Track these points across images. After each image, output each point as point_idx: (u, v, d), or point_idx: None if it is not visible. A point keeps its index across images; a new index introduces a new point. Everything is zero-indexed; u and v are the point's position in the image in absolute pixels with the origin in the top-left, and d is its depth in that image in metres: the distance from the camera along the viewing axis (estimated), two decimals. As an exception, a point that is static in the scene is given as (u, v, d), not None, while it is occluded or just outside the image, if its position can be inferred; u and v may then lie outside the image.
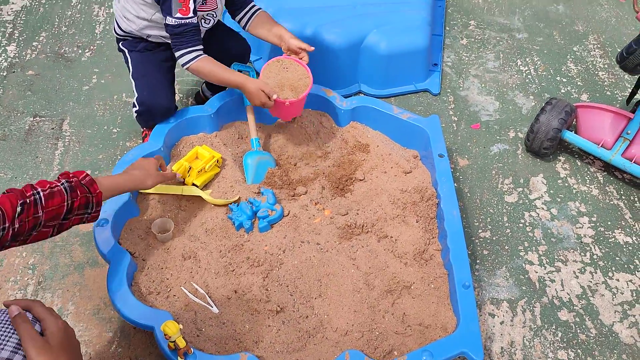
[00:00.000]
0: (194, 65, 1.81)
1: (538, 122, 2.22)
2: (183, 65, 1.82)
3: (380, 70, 2.50)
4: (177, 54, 1.81)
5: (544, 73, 2.72)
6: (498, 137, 2.41)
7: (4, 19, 2.73)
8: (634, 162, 2.13)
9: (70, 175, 1.35)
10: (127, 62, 1.99)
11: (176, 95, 2.45)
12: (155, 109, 1.95)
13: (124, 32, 1.95)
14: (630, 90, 2.21)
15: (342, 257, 1.75)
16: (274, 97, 1.85)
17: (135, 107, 1.98)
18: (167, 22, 1.76)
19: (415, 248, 1.78)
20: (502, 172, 2.27)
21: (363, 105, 2.14)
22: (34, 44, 2.61)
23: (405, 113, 2.11)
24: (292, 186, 1.99)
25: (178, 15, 1.74)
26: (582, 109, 2.28)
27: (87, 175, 1.37)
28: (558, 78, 2.70)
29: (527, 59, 2.79)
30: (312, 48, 1.94)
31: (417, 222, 1.85)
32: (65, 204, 1.28)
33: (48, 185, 1.27)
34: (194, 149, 1.94)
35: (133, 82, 1.97)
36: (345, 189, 1.99)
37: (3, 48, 2.58)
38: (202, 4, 1.85)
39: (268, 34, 2.01)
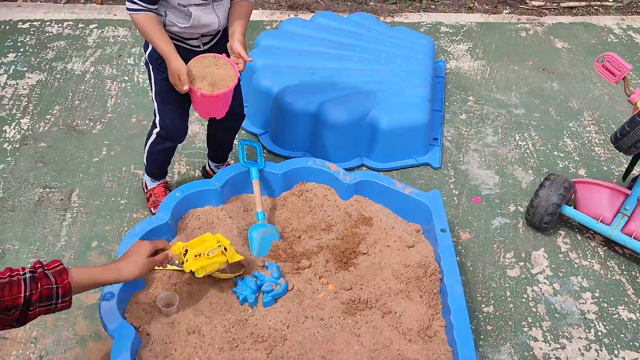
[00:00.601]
0: (136, 16, 1.79)
1: (538, 197, 2.27)
2: (127, 8, 1.80)
3: (382, 145, 2.57)
4: None
5: (542, 148, 2.80)
6: (499, 211, 2.45)
7: (19, 92, 2.84)
8: (633, 238, 2.15)
9: (37, 266, 1.35)
10: (150, 78, 2.03)
11: (183, 167, 2.51)
12: (175, 136, 2.10)
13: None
14: (626, 167, 2.27)
15: (346, 333, 1.75)
16: (185, 87, 1.80)
17: (156, 127, 2.08)
18: None
19: (419, 324, 1.78)
20: (504, 245, 2.30)
21: (366, 180, 2.19)
22: (48, 117, 2.70)
23: (407, 187, 2.16)
24: (296, 259, 2.01)
25: None
26: (581, 184, 2.33)
27: (60, 264, 1.37)
28: (555, 153, 2.77)
29: (525, 134, 2.87)
30: (250, 59, 1.91)
31: (420, 297, 1.86)
32: (23, 295, 1.27)
33: (8, 273, 1.27)
34: (204, 235, 1.82)
35: (156, 104, 2.05)
36: (349, 262, 2.01)
37: (17, 121, 2.67)
38: None
39: (229, 24, 1.95)
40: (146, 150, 2.18)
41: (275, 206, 2.20)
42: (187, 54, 1.86)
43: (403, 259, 1.99)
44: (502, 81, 3.24)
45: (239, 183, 2.18)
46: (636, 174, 2.26)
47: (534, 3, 3.99)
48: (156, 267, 1.78)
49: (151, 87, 2.04)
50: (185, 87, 1.80)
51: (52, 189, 2.35)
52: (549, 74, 3.32)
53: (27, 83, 2.90)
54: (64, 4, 3.59)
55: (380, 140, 2.56)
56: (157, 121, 2.08)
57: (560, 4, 4.02)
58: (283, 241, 2.05)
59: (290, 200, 2.21)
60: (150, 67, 1.99)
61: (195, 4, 1.82)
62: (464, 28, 3.69)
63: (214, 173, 2.40)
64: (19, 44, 3.18)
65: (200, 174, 2.49)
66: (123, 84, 2.95)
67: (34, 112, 2.73)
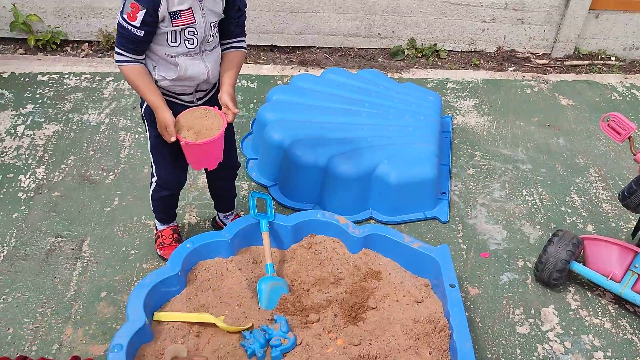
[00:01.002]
0: (124, 67, 1.82)
1: (546, 253, 2.27)
2: (115, 60, 1.83)
3: (390, 199, 2.60)
4: (115, 49, 1.81)
5: (549, 203, 2.81)
6: (507, 266, 2.44)
7: (36, 142, 2.91)
8: (644, 296, 2.14)
9: None
10: (145, 132, 2.07)
11: (193, 218, 2.54)
12: (171, 186, 2.18)
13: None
14: (635, 224, 2.28)
15: (354, 390, 1.73)
16: (172, 138, 1.82)
17: (154, 177, 2.15)
18: (118, 18, 1.77)
19: (428, 382, 1.76)
20: (513, 302, 2.28)
21: (375, 233, 2.21)
22: (62, 166, 2.75)
23: (416, 242, 2.17)
24: (305, 313, 2.00)
25: (124, 17, 1.74)
26: (589, 241, 2.33)
27: None
28: (563, 208, 2.78)
29: (532, 189, 2.90)
30: (237, 111, 1.91)
31: (430, 354, 1.84)
32: None
33: None
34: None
35: (152, 156, 2.10)
36: (357, 317, 2.00)
37: (32, 170, 2.72)
38: (176, 18, 1.78)
39: (220, 74, 1.99)
40: (150, 197, 2.25)
41: (284, 258, 2.21)
42: (180, 110, 1.89)
43: (412, 314, 1.98)
44: (509, 137, 3.29)
45: (249, 235, 2.19)
46: (644, 231, 2.27)
47: (538, 61, 4.09)
48: None
49: (147, 140, 2.08)
50: (173, 138, 1.82)
51: (64, 238, 2.38)
52: (554, 130, 3.38)
53: (43, 133, 2.98)
54: (82, 57, 3.71)
55: (389, 194, 2.59)
56: (154, 171, 2.15)
57: (564, 63, 4.11)
58: (292, 294, 2.05)
59: (299, 253, 2.22)
60: (146, 122, 2.03)
61: (183, 54, 1.85)
62: (470, 84, 3.78)
63: (224, 224, 2.43)
64: (37, 95, 3.28)
65: (210, 225, 2.51)
66: (136, 135, 3.02)
67: (49, 161, 2.78)
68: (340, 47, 4.01)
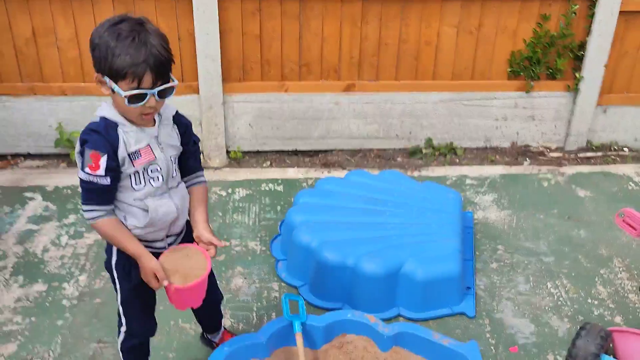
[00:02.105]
0: (97, 224, 1.77)
1: (575, 347, 2.29)
2: (87, 219, 1.78)
3: (417, 296, 2.67)
4: (83, 207, 1.76)
5: (575, 295, 2.85)
6: (538, 361, 2.46)
7: (78, 251, 3.08)
8: (679, 389, 2.13)
9: None
10: (114, 284, 1.98)
11: (227, 321, 2.62)
12: (144, 335, 2.11)
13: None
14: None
15: None
16: (165, 283, 1.79)
17: (123, 326, 2.04)
18: (78, 175, 1.74)
19: None
20: (547, 398, 2.28)
21: (404, 332, 2.27)
22: (102, 273, 2.90)
23: (445, 339, 2.23)
24: (339, 414, 2.04)
25: (87, 170, 1.69)
26: (618, 333, 2.36)
27: None
28: (589, 300, 2.82)
29: (557, 282, 2.95)
30: (225, 243, 1.92)
31: None
32: None
33: None
34: None
35: (121, 309, 2.01)
36: (391, 417, 2.02)
37: (76, 278, 2.87)
38: (136, 158, 1.77)
39: (189, 213, 1.99)
40: (119, 348, 2.13)
41: (316, 358, 2.27)
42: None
43: (446, 413, 2.00)
44: (530, 230, 3.38)
45: (282, 336, 2.28)
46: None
47: (552, 154, 4.25)
48: None
49: (117, 293, 2.00)
50: (165, 282, 1.78)
51: (106, 344, 2.48)
52: (574, 222, 3.46)
53: (85, 242, 3.16)
54: (120, 168, 3.97)
55: (416, 291, 2.67)
56: (123, 322, 2.05)
57: (578, 155, 4.27)
58: (326, 395, 2.10)
59: (331, 353, 2.28)
60: (115, 274, 1.95)
61: (150, 195, 1.82)
62: (488, 179, 3.93)
63: (212, 341, 2.42)
64: (78, 207, 3.50)
65: (244, 327, 2.59)
66: (172, 241, 3.18)
67: (91, 269, 2.94)
68: (361, 149, 4.23)
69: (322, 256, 2.72)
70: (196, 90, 3.88)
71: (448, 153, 4.23)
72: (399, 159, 4.19)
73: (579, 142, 4.31)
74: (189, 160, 1.98)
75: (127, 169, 1.76)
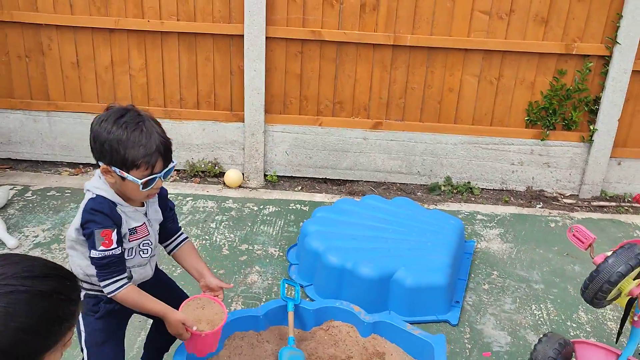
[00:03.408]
0: (120, 294, 1.86)
1: (535, 350, 2.56)
2: (108, 294, 1.86)
3: (406, 301, 3.01)
4: (102, 284, 1.85)
5: (556, 318, 3.10)
6: (507, 366, 2.72)
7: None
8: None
9: None
10: (78, 327, 1.96)
11: (239, 306, 3.04)
12: None
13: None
14: (617, 330, 2.55)
15: None
16: (194, 328, 1.93)
17: None
18: (91, 255, 1.81)
19: None
20: (508, 395, 2.55)
21: (382, 321, 2.62)
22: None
23: (417, 330, 2.55)
24: (317, 381, 2.40)
25: (101, 248, 1.79)
26: (579, 345, 2.60)
27: None
28: (568, 323, 3.06)
29: (542, 305, 3.20)
30: (231, 285, 2.17)
31: (413, 416, 2.16)
32: None
33: None
34: None
35: (86, 353, 1.99)
36: (359, 386, 2.36)
37: (119, 261, 3.39)
38: (132, 233, 1.90)
39: (190, 268, 2.16)
40: None
41: (305, 338, 2.65)
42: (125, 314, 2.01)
43: (405, 386, 2.32)
44: (527, 261, 3.65)
45: (278, 315, 2.67)
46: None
47: (565, 200, 4.50)
48: None
49: (80, 336, 1.98)
50: (195, 328, 1.92)
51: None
52: (572, 258, 3.70)
53: (132, 235, 3.70)
54: (170, 182, 4.56)
55: (405, 297, 3.01)
56: None
57: (592, 203, 4.49)
58: (307, 365, 2.46)
59: (318, 334, 2.65)
60: (82, 314, 1.94)
61: (137, 265, 1.98)
62: (498, 217, 4.22)
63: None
64: (131, 208, 4.08)
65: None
66: (203, 242, 3.67)
67: (133, 256, 3.46)
68: (384, 182, 4.64)
69: (326, 259, 3.12)
70: (242, 119, 4.45)
71: (465, 191, 4.57)
72: (419, 194, 4.57)
73: (593, 191, 4.54)
74: (168, 225, 2.12)
75: (124, 244, 1.89)
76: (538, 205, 4.44)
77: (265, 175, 4.63)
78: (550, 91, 4.36)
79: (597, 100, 4.37)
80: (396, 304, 3.04)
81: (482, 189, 4.62)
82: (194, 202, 4.21)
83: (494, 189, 4.63)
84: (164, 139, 1.84)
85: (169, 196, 2.16)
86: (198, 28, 4.22)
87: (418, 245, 3.28)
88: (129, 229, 1.89)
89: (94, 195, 1.86)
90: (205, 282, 2.13)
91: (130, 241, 1.91)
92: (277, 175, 4.63)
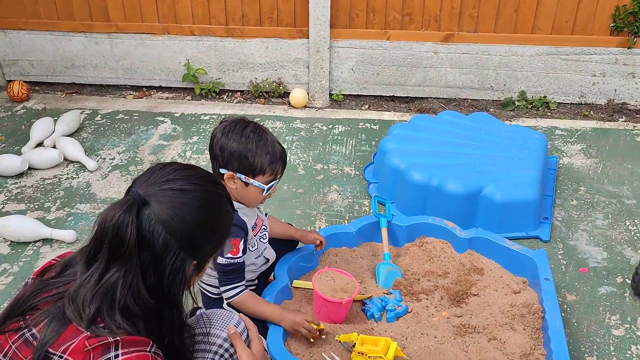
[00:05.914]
0: (238, 299, 2.00)
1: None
2: (227, 298, 2.02)
3: (495, 217, 2.92)
4: (222, 288, 2.01)
5: (653, 233, 2.98)
6: (606, 281, 2.64)
7: (199, 164, 3.60)
8: None
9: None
10: None
11: (324, 224, 3.01)
12: None
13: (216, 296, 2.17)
14: None
15: (456, 349, 2.06)
16: (321, 325, 2.01)
17: None
18: (217, 261, 1.96)
19: (521, 350, 2.04)
20: (609, 310, 2.48)
21: (479, 237, 2.55)
22: (220, 181, 3.40)
23: (516, 245, 2.48)
24: (415, 295, 2.37)
25: (229, 255, 1.95)
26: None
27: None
28: (666, 238, 2.93)
29: (636, 221, 3.07)
30: (323, 238, 2.34)
31: (524, 329, 2.12)
32: None
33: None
34: (382, 339, 1.96)
35: None
36: (460, 300, 2.33)
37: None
38: (253, 229, 2.07)
39: (280, 235, 2.33)
40: None
41: (398, 254, 2.61)
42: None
43: (509, 300, 2.28)
44: (615, 176, 3.48)
45: (370, 231, 2.63)
46: None
47: (650, 113, 4.25)
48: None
49: None
50: (321, 325, 2.01)
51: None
52: (663, 173, 3.52)
53: (205, 157, 3.68)
54: (235, 103, 4.48)
55: (494, 213, 2.92)
56: None
57: (678, 115, 4.23)
58: (404, 280, 2.44)
59: (411, 250, 2.61)
60: None
61: (263, 250, 2.18)
62: (579, 132, 4.03)
63: None
64: (200, 130, 4.04)
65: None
66: (278, 162, 3.62)
67: (210, 177, 3.44)
68: (455, 98, 4.46)
69: (409, 176, 3.03)
70: (306, 35, 4.26)
71: (541, 106, 4.35)
72: (491, 110, 4.37)
73: (681, 103, 4.27)
74: None
75: (249, 240, 2.05)
76: (621, 119, 4.20)
77: (330, 95, 4.50)
78: (640, -6, 4.01)
79: (692, 3, 4.00)
80: (484, 221, 2.96)
81: (559, 103, 4.39)
82: (261, 123, 4.12)
83: (571, 103, 4.39)
84: (282, 147, 2.01)
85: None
86: (259, -62, 3.98)
87: (504, 161, 3.15)
88: (251, 227, 2.06)
89: None
90: (301, 235, 2.35)
91: (254, 236, 2.08)
92: (342, 94, 4.48)
